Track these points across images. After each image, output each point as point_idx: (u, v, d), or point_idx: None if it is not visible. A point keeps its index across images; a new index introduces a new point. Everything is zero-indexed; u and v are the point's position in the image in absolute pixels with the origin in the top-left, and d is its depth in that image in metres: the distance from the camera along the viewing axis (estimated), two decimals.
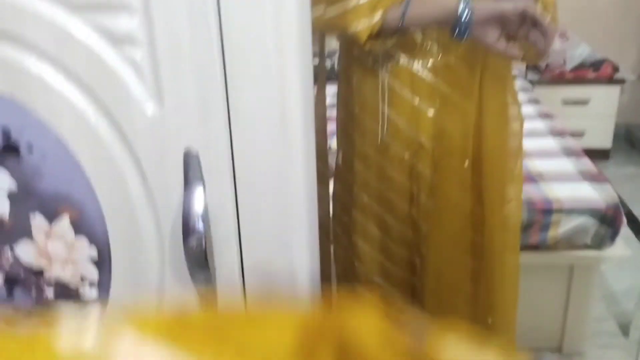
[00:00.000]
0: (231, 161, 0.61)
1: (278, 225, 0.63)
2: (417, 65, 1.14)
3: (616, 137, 3.45)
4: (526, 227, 1.79)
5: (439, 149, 1.19)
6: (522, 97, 2.84)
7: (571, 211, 1.80)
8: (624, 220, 1.86)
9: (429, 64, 1.13)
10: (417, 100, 1.16)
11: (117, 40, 0.58)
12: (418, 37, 1.12)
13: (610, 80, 3.26)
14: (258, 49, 0.57)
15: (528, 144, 2.20)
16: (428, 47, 1.13)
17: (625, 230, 1.87)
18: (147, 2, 0.56)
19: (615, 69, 3.27)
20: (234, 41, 0.57)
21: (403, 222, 1.26)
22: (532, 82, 3.26)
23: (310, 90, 0.61)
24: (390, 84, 1.15)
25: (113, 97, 0.59)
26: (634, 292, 2.23)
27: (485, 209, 1.24)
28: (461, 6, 0.99)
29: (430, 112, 1.16)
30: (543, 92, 3.26)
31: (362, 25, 1.04)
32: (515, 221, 1.31)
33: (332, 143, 1.98)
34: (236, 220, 0.63)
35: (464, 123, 1.18)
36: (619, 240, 1.84)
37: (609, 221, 1.79)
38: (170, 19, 0.56)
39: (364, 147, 1.24)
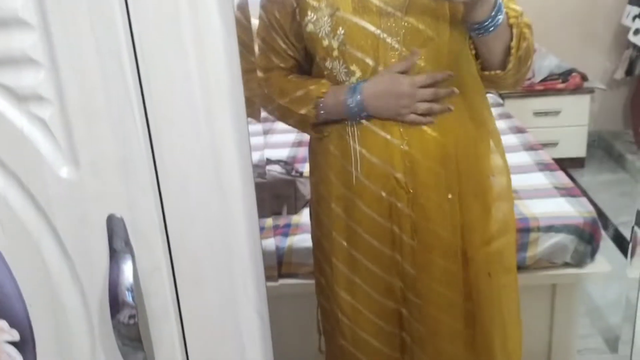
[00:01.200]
0: (163, 224, 0.54)
1: (223, 291, 0.57)
2: None
3: (590, 145, 3.45)
4: None
5: (416, 183, 1.12)
6: (493, 112, 2.83)
7: (549, 229, 1.75)
8: (602, 234, 1.82)
9: None
10: (389, 135, 1.11)
11: (21, 98, 0.51)
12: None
13: (580, 89, 3.27)
14: (183, 99, 0.51)
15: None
16: None
17: (605, 242, 1.84)
18: (53, 55, 0.49)
19: (584, 78, 3.28)
20: (155, 93, 0.50)
21: (387, 268, 1.17)
22: (502, 96, 3.25)
23: (246, 139, 0.54)
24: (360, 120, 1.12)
25: (21, 161, 0.52)
26: (618, 305, 2.19)
27: (471, 244, 1.17)
28: (349, 101, 1.09)
29: (404, 146, 1.11)
30: (514, 104, 3.25)
31: (306, 111, 1.14)
32: (507, 252, 1.24)
33: (305, 169, 1.91)
34: (174, 290, 0.56)
35: (441, 153, 1.12)
36: (600, 254, 1.80)
37: (588, 238, 1.75)
38: (81, 72, 0.50)
39: (340, 188, 1.17)
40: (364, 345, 1.22)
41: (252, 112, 1.20)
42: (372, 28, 1.06)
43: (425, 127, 1.11)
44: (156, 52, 0.50)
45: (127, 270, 0.54)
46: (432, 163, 1.12)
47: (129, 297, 0.54)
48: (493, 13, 0.98)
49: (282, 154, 2.45)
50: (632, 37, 3.21)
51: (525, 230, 1.75)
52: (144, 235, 0.54)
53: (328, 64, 1.11)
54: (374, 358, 1.23)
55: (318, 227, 1.27)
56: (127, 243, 0.54)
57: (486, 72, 1.11)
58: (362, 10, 1.05)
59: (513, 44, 1.05)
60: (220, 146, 0.51)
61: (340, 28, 1.06)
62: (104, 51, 0.49)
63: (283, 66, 1.19)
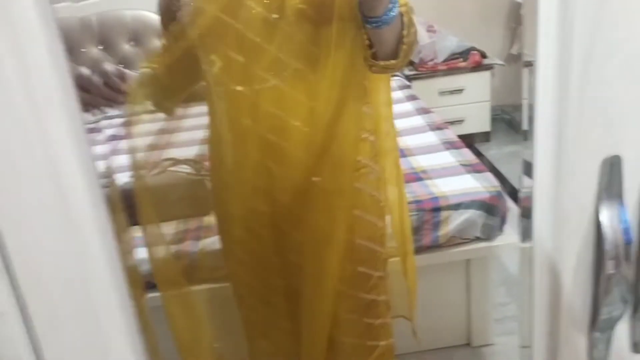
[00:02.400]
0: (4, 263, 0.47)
1: (87, 328, 0.50)
2: (241, 87, 1.08)
3: (494, 119, 3.59)
4: (418, 229, 1.76)
5: (283, 170, 1.14)
6: (400, 94, 2.86)
7: (458, 206, 1.79)
8: (510, 207, 1.88)
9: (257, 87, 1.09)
10: (252, 124, 1.11)
11: None
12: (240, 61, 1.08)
13: (480, 66, 3.38)
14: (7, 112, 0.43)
15: (410, 141, 2.22)
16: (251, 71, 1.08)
17: (514, 212, 1.90)
18: None
19: (483, 55, 3.39)
20: None
21: (271, 252, 1.24)
22: (408, 78, 3.30)
23: (87, 150, 0.48)
24: (226, 110, 1.12)
25: None
26: None
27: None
28: None
29: (270, 134, 1.11)
30: (420, 85, 3.31)
31: None
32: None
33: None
34: (27, 335, 0.49)
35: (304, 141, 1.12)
36: (508, 225, 1.86)
37: (495, 211, 1.80)
38: None
39: (224, 174, 1.21)
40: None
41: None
42: (228, 19, 1.05)
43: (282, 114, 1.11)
44: None
45: None
46: (294, 146, 1.13)
47: None
48: (390, 5, 0.98)
49: (191, 152, 2.36)
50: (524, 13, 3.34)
51: (436, 209, 1.78)
52: None
53: (197, 53, 1.11)
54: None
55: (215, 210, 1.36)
56: None
57: (381, 62, 1.10)
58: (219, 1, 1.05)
59: (405, 32, 1.05)
60: (58, 163, 0.44)
61: (199, 18, 1.07)
62: None
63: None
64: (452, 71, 3.38)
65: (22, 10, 0.41)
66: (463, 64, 3.37)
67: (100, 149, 2.43)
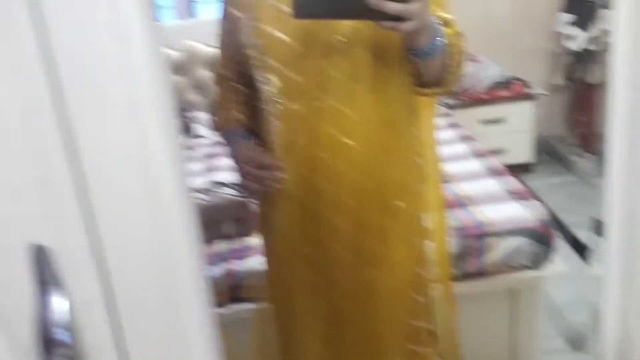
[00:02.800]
0: (95, 254, 0.49)
1: (168, 321, 0.51)
2: (302, 108, 1.11)
3: (537, 150, 3.54)
4: (462, 255, 1.74)
5: (334, 188, 1.15)
6: (441, 122, 2.86)
7: (504, 233, 1.76)
8: (557, 235, 1.85)
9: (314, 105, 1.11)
10: (306, 142, 1.13)
11: None
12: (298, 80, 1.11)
13: (523, 96, 3.35)
14: (114, 121, 0.46)
15: (453, 167, 2.21)
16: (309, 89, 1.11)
17: (558, 242, 1.86)
18: None
19: (526, 85, 3.37)
20: (84, 115, 0.46)
21: (317, 272, 1.23)
22: (450, 106, 3.30)
23: (180, 161, 0.50)
24: (281, 128, 1.14)
25: None
26: (577, 304, 2.22)
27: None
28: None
29: (324, 153, 1.12)
30: (462, 114, 3.30)
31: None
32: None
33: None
34: (110, 324, 0.51)
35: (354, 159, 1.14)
36: (556, 255, 1.82)
37: (543, 239, 1.77)
38: None
39: (274, 194, 1.20)
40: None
41: None
42: (287, 39, 1.08)
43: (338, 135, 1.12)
44: (78, 63, 0.45)
45: (58, 305, 0.49)
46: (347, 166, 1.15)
47: (62, 335, 0.48)
48: (433, 39, 0.99)
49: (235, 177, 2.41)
50: (567, 43, 3.33)
51: (481, 236, 1.76)
52: (73, 266, 0.49)
53: (254, 72, 1.14)
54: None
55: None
56: (54, 275, 0.49)
57: (426, 90, 1.12)
58: (278, 22, 1.08)
59: (449, 62, 1.06)
60: (155, 169, 0.47)
61: (259, 38, 1.10)
62: (15, 61, 0.44)
63: (229, 73, 1.26)
64: (494, 100, 3.36)
65: (127, 19, 0.44)
66: (505, 93, 3.35)
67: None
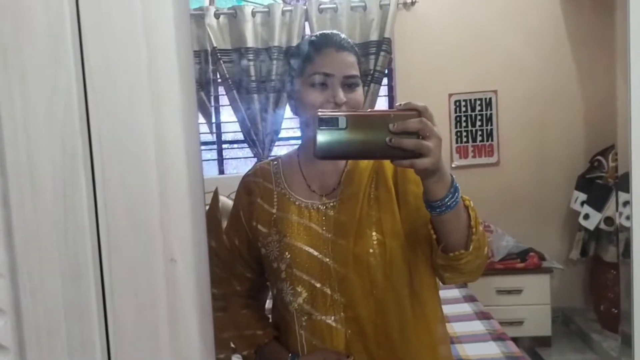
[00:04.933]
0: None
1: None
2: (329, 319, 1.12)
3: (554, 322, 3.46)
4: None
5: None
6: (456, 293, 2.85)
7: None
8: None
9: (341, 316, 1.12)
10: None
11: None
12: (327, 293, 1.13)
13: (539, 268, 3.36)
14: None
15: (469, 350, 2.16)
16: (337, 301, 1.13)
17: None
18: None
19: (542, 257, 3.39)
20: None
21: None
22: None
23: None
24: (307, 338, 1.14)
25: None
26: None
27: None
28: None
29: None
30: (477, 283, 3.27)
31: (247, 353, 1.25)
32: None
33: None
34: None
35: None
36: None
37: None
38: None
39: None
40: None
41: None
42: (315, 253, 1.13)
43: (367, 342, 1.13)
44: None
45: None
46: None
47: None
48: (452, 190, 0.99)
49: None
50: (582, 221, 3.40)
51: None
52: None
53: (279, 284, 1.16)
54: None
55: None
56: None
57: (450, 254, 1.08)
58: (307, 237, 1.14)
59: (472, 223, 1.05)
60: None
61: (287, 252, 1.14)
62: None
63: (240, 289, 1.29)
64: (509, 271, 3.37)
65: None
66: (520, 265, 3.36)
67: None
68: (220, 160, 3.85)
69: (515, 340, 2.25)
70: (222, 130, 3.85)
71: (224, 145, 3.88)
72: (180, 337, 0.47)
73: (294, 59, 1.17)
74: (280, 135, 3.74)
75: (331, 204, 1.16)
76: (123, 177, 0.48)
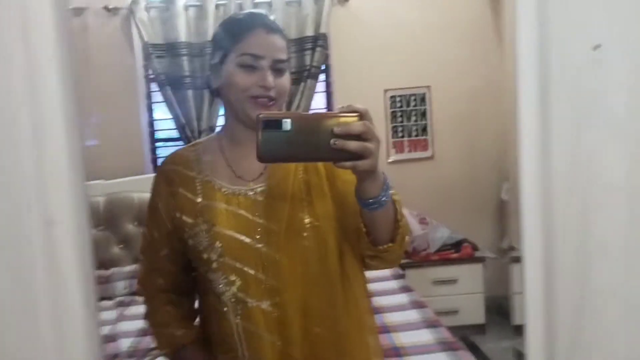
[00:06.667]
0: None
1: None
2: (264, 305, 1.11)
3: (488, 310, 3.57)
4: None
5: None
6: (394, 284, 2.89)
7: None
8: None
9: (276, 301, 1.11)
10: (274, 338, 1.11)
11: None
12: (261, 279, 1.12)
13: (472, 258, 3.46)
14: None
15: (404, 338, 2.19)
16: (271, 286, 1.11)
17: None
18: None
19: (475, 248, 3.50)
20: None
21: None
22: (402, 266, 3.36)
23: None
24: (243, 327, 1.12)
25: None
26: None
27: None
28: None
29: (294, 350, 1.11)
30: (414, 274, 3.36)
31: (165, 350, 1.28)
32: None
33: None
34: None
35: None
36: None
37: None
38: None
39: None
40: None
41: None
42: (247, 240, 1.11)
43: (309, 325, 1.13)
44: None
45: None
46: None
47: None
48: (384, 187, 1.01)
49: None
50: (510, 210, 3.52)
51: None
52: None
53: (210, 275, 1.13)
54: None
55: None
56: None
57: (379, 247, 1.11)
58: (237, 224, 1.11)
59: (398, 217, 1.09)
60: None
61: (218, 241, 1.11)
62: None
63: (163, 284, 1.25)
64: (444, 262, 3.46)
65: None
66: (455, 255, 3.45)
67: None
68: (154, 158, 3.76)
69: (451, 329, 2.30)
70: (155, 128, 3.76)
71: (158, 144, 3.79)
72: (59, 301, 0.45)
73: (222, 34, 1.14)
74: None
75: (259, 189, 1.14)
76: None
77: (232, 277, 1.11)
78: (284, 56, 1.11)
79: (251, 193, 1.14)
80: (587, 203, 0.51)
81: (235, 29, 1.11)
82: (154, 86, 3.63)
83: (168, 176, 1.20)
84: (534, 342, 0.54)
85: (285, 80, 1.11)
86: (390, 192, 1.03)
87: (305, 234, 1.11)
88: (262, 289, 1.11)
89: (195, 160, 1.20)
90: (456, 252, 3.46)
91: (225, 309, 1.13)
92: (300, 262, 1.11)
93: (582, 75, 0.49)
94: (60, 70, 0.46)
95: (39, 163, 0.45)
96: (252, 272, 1.11)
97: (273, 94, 1.09)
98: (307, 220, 1.11)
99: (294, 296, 1.11)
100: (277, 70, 1.10)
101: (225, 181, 1.16)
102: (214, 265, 1.11)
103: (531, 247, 0.53)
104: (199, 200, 1.15)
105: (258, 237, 1.11)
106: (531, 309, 0.54)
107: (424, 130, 3.82)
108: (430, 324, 2.33)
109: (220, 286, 1.12)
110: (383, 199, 0.99)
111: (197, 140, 1.28)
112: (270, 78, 1.08)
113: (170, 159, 1.22)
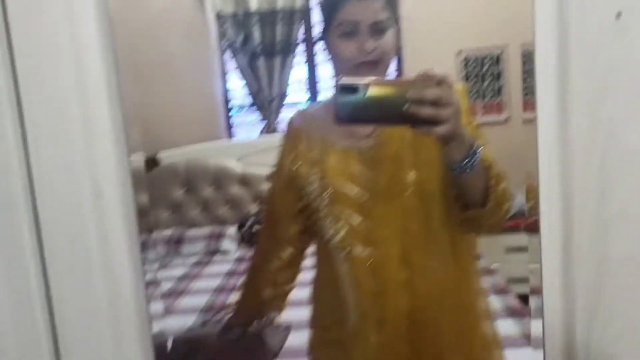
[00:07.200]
0: None
1: None
2: (366, 252, 1.17)
3: None
4: None
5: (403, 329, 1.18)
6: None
7: None
8: None
9: (381, 252, 1.17)
10: (373, 285, 1.17)
11: None
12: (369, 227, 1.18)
13: None
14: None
15: None
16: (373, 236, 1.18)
17: None
18: None
19: None
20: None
21: None
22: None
23: None
24: (349, 273, 1.18)
25: None
26: None
27: None
28: None
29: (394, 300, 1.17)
30: (485, 241, 3.30)
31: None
32: None
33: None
34: None
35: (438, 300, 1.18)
36: None
37: None
38: None
39: (336, 332, 1.24)
40: None
41: None
42: (354, 191, 1.18)
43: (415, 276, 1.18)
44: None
45: None
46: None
47: None
48: (471, 152, 1.00)
49: None
50: None
51: None
52: None
53: (320, 222, 1.21)
54: None
55: None
56: None
57: (469, 211, 1.11)
58: (345, 177, 1.19)
59: (492, 182, 1.07)
60: None
61: (327, 190, 1.19)
62: None
63: (280, 231, 1.34)
64: (519, 229, 3.36)
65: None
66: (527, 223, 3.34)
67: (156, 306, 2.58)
68: (229, 125, 3.89)
69: (520, 297, 2.25)
70: (229, 96, 3.87)
71: (231, 112, 3.90)
72: (111, 264, 0.51)
73: (321, 6, 1.20)
74: (287, 99, 3.75)
75: (368, 145, 1.19)
76: (49, 119, 0.51)
77: (338, 225, 1.18)
78: (381, 16, 1.11)
79: (361, 148, 1.19)
80: (606, 170, 0.51)
81: (331, 0, 1.15)
82: (227, 55, 3.72)
83: (291, 132, 1.31)
84: (551, 308, 0.54)
85: (388, 39, 1.12)
86: (482, 158, 1.01)
87: (408, 191, 1.14)
88: (365, 238, 1.17)
89: (314, 118, 1.28)
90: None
91: (332, 255, 1.20)
92: (402, 216, 1.15)
93: (603, 43, 0.47)
94: (103, 49, 0.51)
95: (88, 142, 0.51)
96: (356, 221, 1.17)
97: (372, 58, 1.11)
98: (411, 179, 1.14)
99: (393, 249, 1.16)
100: (378, 31, 1.11)
101: (338, 137, 1.21)
102: (323, 213, 1.20)
103: (549, 214, 0.53)
104: (314, 153, 1.23)
105: (364, 189, 1.17)
106: (548, 275, 0.54)
107: (499, 91, 3.69)
108: (499, 291, 2.30)
109: (330, 233, 1.19)
110: (468, 163, 0.99)
111: (319, 101, 1.36)
112: (368, 43, 1.10)
113: (294, 116, 1.33)
